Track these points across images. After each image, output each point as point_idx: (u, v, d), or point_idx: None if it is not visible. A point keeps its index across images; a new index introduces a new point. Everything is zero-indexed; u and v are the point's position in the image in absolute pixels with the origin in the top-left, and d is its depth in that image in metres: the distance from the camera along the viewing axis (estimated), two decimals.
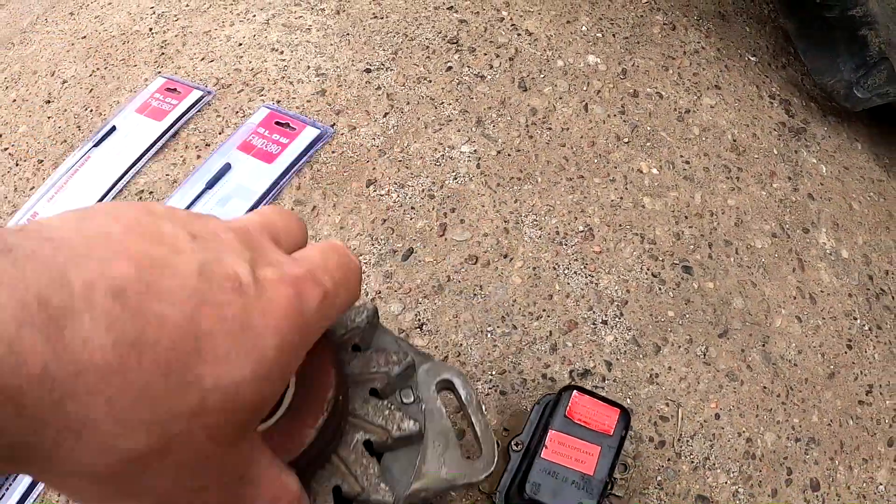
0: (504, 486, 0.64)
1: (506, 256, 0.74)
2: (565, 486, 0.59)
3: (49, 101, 0.99)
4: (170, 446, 0.23)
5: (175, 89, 0.94)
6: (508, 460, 0.63)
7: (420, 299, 0.72)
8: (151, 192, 0.85)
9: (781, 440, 0.73)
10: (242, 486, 0.28)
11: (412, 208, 0.77)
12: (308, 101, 0.86)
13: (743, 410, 0.73)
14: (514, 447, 0.64)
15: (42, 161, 0.92)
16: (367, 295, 0.73)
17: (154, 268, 0.23)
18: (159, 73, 0.97)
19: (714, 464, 0.70)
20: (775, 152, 0.88)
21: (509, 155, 0.80)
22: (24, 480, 0.68)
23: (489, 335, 0.71)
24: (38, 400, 0.20)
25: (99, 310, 0.21)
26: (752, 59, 0.95)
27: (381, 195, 0.78)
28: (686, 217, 0.80)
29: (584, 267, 0.75)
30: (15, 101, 1.01)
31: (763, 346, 0.76)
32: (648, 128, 0.85)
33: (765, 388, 0.74)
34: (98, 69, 1.01)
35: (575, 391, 0.61)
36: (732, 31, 0.98)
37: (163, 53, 0.99)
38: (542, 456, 0.59)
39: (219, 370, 0.24)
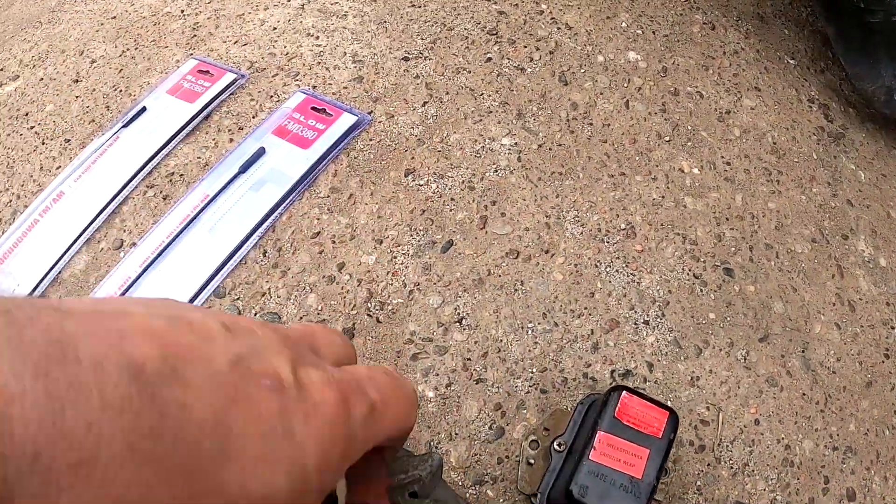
0: (546, 487, 0.61)
1: (547, 252, 0.71)
2: (612, 489, 0.56)
3: (77, 81, 0.96)
4: None
5: (208, 71, 0.90)
6: (550, 460, 0.61)
7: (460, 293, 0.69)
8: (182, 175, 0.82)
9: (819, 448, 0.70)
10: None
11: (452, 199, 0.74)
12: (345, 88, 0.83)
13: (782, 417, 0.70)
14: (557, 447, 0.61)
15: (69, 140, 0.88)
16: (404, 287, 0.70)
17: (180, 352, 0.20)
18: (191, 55, 0.93)
19: (753, 470, 0.68)
20: (815, 157, 0.85)
21: (550, 149, 0.77)
22: None
23: (530, 332, 0.68)
24: (25, 491, 0.16)
25: (111, 390, 0.17)
26: (791, 62, 0.92)
27: (420, 185, 0.75)
28: (727, 219, 0.77)
29: (626, 265, 0.72)
30: (42, 79, 0.97)
31: (803, 352, 0.73)
32: (689, 127, 0.82)
33: (804, 394, 0.72)
34: (128, 49, 0.97)
35: (625, 392, 0.58)
36: (771, 33, 0.95)
37: (195, 35, 0.95)
38: (590, 457, 0.56)
39: (248, 476, 0.20)
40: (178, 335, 0.20)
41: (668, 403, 0.67)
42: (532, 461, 0.63)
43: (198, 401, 0.19)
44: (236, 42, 0.93)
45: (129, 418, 0.17)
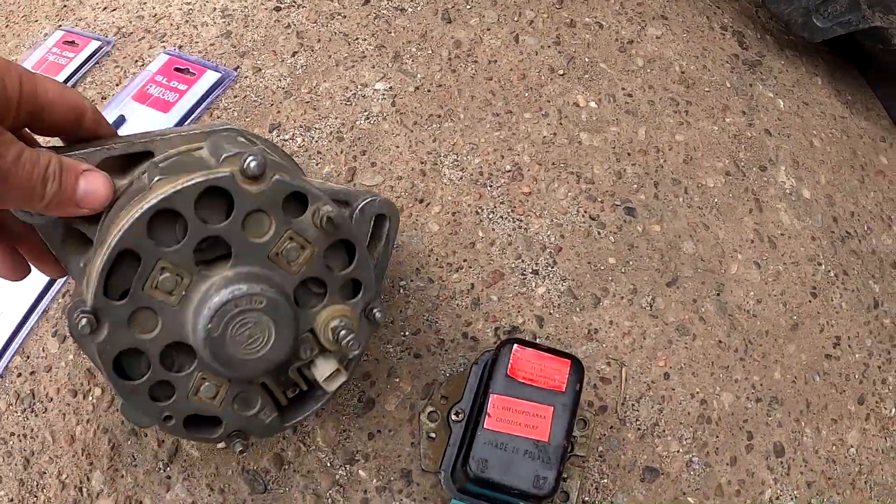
0: (449, 463, 0.50)
1: (422, 201, 0.60)
2: (516, 457, 0.46)
3: None
4: None
5: (73, 42, 0.79)
6: (450, 433, 0.49)
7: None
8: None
9: (740, 401, 0.59)
10: None
11: (318, 153, 0.62)
12: (211, 45, 0.71)
13: (696, 368, 0.59)
14: (455, 417, 0.50)
15: None
16: None
17: None
18: (60, 26, 0.81)
19: (664, 430, 0.57)
20: (728, 86, 0.73)
21: (429, 91, 0.66)
22: None
23: (401, 290, 0.56)
24: None
25: None
26: None
27: (286, 139, 0.63)
28: (629, 154, 0.65)
29: (512, 210, 0.60)
30: None
31: (717, 295, 0.62)
32: (586, 59, 0.70)
33: (720, 342, 0.60)
34: None
35: (515, 345, 0.47)
36: None
37: (65, 6, 0.83)
38: (484, 426, 0.45)
39: None
40: None
41: None
42: (433, 435, 0.53)
43: None
44: (105, 8, 0.81)
45: None
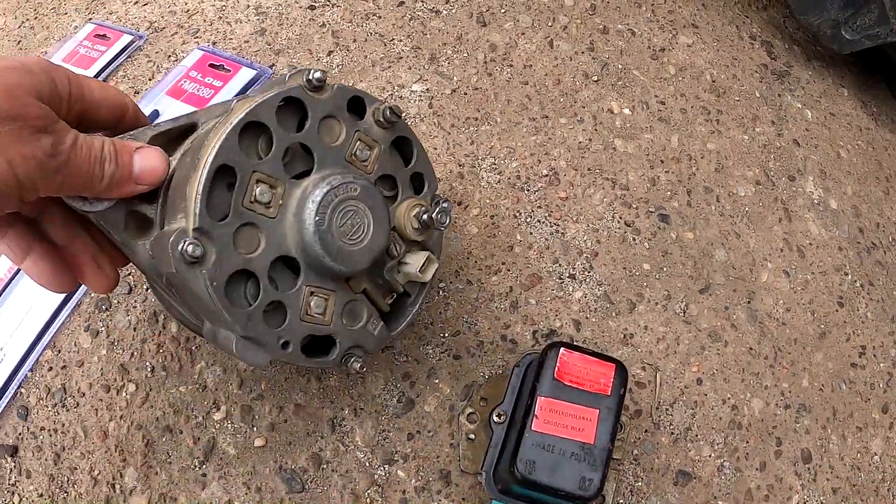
0: (490, 464, 0.50)
1: (460, 204, 0.60)
2: (563, 459, 0.46)
3: None
4: None
5: (105, 35, 0.78)
6: (491, 434, 0.50)
7: None
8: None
9: (770, 407, 0.60)
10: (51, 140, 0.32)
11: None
12: (246, 42, 0.71)
13: (727, 375, 0.60)
14: (496, 418, 0.51)
15: None
16: None
17: None
18: (90, 19, 0.81)
19: (696, 435, 0.57)
20: (757, 95, 0.74)
21: (465, 94, 0.66)
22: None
23: (441, 292, 0.56)
24: None
25: None
26: None
27: None
28: (662, 161, 0.66)
29: (549, 215, 0.60)
30: None
31: (748, 302, 0.63)
32: (620, 66, 0.70)
33: (751, 349, 0.61)
34: (28, 20, 0.85)
35: (563, 348, 0.48)
36: None
37: None
38: (532, 428, 0.45)
39: None
40: None
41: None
42: (472, 436, 0.53)
43: None
44: (136, 2, 0.80)
45: None
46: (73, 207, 0.37)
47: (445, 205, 0.42)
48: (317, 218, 0.36)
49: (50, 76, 0.34)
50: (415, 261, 0.42)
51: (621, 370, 0.49)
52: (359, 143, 0.40)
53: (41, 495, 0.53)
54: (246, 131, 0.36)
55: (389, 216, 0.40)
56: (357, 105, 0.41)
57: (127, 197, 0.37)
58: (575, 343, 0.57)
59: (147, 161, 0.37)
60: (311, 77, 0.38)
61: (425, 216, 0.41)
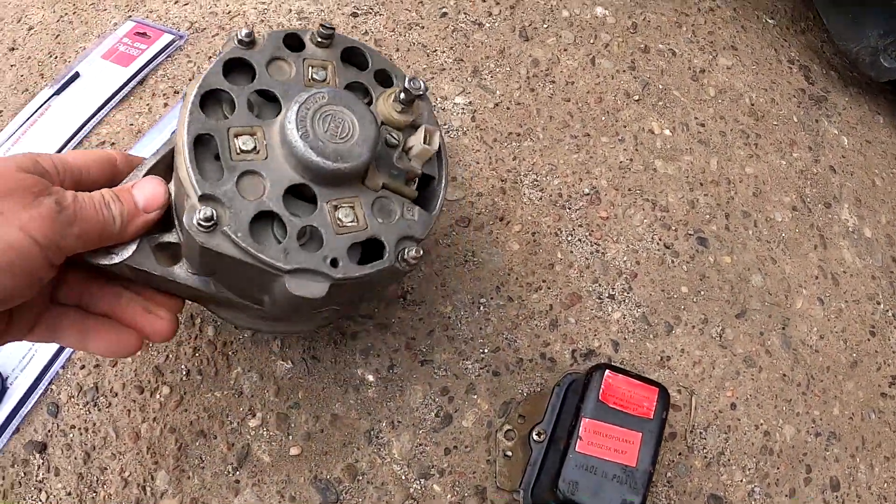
0: (529, 483, 0.50)
1: (502, 219, 0.60)
2: (605, 481, 0.46)
3: (13, 49, 0.83)
4: None
5: (145, 33, 0.78)
6: (530, 452, 0.50)
7: None
8: (114, 143, 0.70)
9: (801, 434, 0.60)
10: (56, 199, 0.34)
11: None
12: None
13: (761, 400, 0.60)
14: (536, 437, 0.50)
15: (1, 112, 0.76)
16: None
17: None
18: (130, 16, 0.81)
19: (729, 459, 0.57)
20: (795, 120, 0.74)
21: (508, 108, 0.66)
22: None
23: (482, 307, 0.56)
24: None
25: None
26: (770, 21, 0.81)
27: None
28: (701, 184, 0.65)
29: (590, 234, 0.60)
30: None
31: (783, 329, 0.62)
32: (660, 86, 0.70)
33: (784, 375, 0.61)
34: (66, 14, 0.85)
35: (608, 370, 0.48)
36: None
37: None
38: (576, 449, 0.45)
39: None
40: None
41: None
42: (509, 453, 0.53)
43: None
44: (177, 2, 0.80)
45: None
46: (103, 267, 0.38)
47: (413, 77, 0.42)
48: (300, 132, 0.37)
49: (29, 157, 0.35)
50: (416, 138, 0.41)
51: (664, 394, 0.49)
52: (310, 68, 0.42)
53: (69, 494, 0.53)
54: (207, 104, 0.38)
55: (370, 109, 0.41)
56: (294, 41, 0.42)
57: (144, 231, 0.39)
58: (615, 364, 0.57)
59: (146, 189, 0.38)
60: (240, 37, 0.40)
61: (402, 95, 0.41)
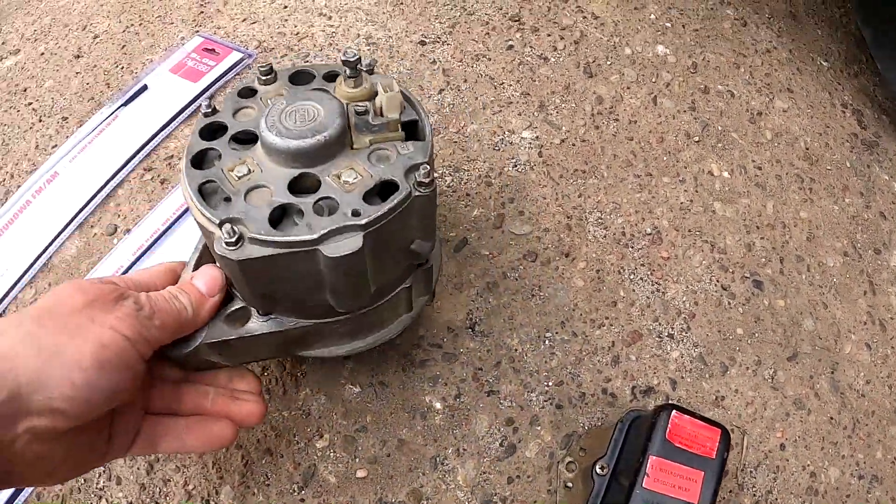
0: None
1: (567, 255, 0.62)
2: None
3: (79, 56, 0.85)
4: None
5: (213, 50, 0.80)
6: (592, 485, 0.52)
7: (473, 296, 0.59)
8: (182, 158, 0.72)
9: (845, 476, 0.61)
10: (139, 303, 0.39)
11: (467, 195, 0.64)
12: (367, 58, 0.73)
13: (809, 442, 0.61)
14: (599, 471, 0.52)
15: (66, 118, 0.78)
16: None
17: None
18: (197, 31, 0.83)
19: (777, 499, 0.59)
20: (848, 165, 0.75)
21: (573, 145, 0.68)
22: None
23: (547, 341, 0.58)
24: None
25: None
26: (825, 63, 0.82)
27: (434, 177, 0.65)
28: (758, 227, 0.67)
29: (651, 273, 0.62)
30: (43, 54, 0.87)
31: (832, 373, 0.64)
32: (719, 127, 0.72)
33: (832, 418, 0.63)
34: (132, 25, 0.87)
35: (674, 411, 0.50)
36: (804, 32, 0.84)
37: (202, 12, 0.85)
38: (644, 485, 0.47)
39: None
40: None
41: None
42: (570, 485, 0.55)
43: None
44: (245, 20, 0.82)
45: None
46: (188, 356, 0.43)
47: (344, 51, 0.45)
48: (274, 132, 0.40)
49: (102, 279, 0.40)
50: (380, 95, 0.44)
51: (726, 436, 0.51)
52: (269, 100, 0.46)
53: (130, 503, 0.55)
54: (201, 165, 0.43)
55: (328, 92, 0.44)
56: (247, 92, 0.47)
57: (214, 313, 0.44)
58: (668, 402, 0.59)
59: (205, 276, 0.43)
60: (203, 111, 0.45)
61: (347, 71, 0.44)
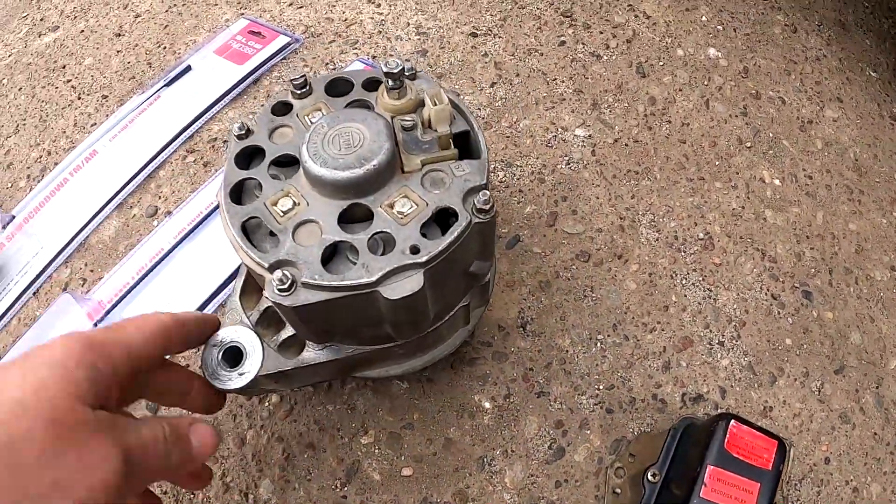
0: None
1: (620, 257, 0.60)
2: None
3: (119, 35, 0.83)
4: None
5: (259, 33, 0.78)
6: (643, 491, 0.50)
7: (525, 295, 0.58)
8: (226, 141, 0.70)
9: (886, 493, 0.60)
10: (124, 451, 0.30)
11: (520, 191, 0.62)
12: (407, 61, 0.71)
13: (852, 457, 0.60)
14: (651, 477, 0.51)
15: (106, 97, 0.76)
16: None
17: None
18: (242, 14, 0.81)
19: None
20: (895, 178, 0.73)
21: (626, 145, 0.66)
22: None
23: (598, 344, 0.57)
24: None
25: None
26: (874, 74, 0.81)
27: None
28: (808, 237, 0.66)
29: (703, 279, 0.61)
30: (83, 31, 0.85)
31: (877, 388, 0.63)
32: (771, 134, 0.70)
33: (875, 434, 0.61)
34: (175, 4, 0.85)
35: (733, 421, 0.49)
36: (853, 42, 0.83)
37: None
38: (701, 495, 0.46)
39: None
40: None
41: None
42: (618, 490, 0.54)
43: None
44: (291, 4, 0.80)
45: None
46: (235, 392, 0.41)
47: (386, 61, 0.41)
48: (319, 163, 0.37)
49: (87, 361, 0.30)
50: (426, 107, 0.40)
51: (782, 448, 0.50)
52: (306, 117, 0.43)
53: (164, 493, 0.53)
54: (241, 197, 0.41)
55: (371, 110, 0.41)
56: (281, 107, 0.44)
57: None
58: (717, 410, 0.57)
59: (200, 434, 0.37)
60: (235, 133, 0.42)
61: (389, 82, 0.41)
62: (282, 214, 0.38)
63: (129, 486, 0.30)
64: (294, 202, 0.38)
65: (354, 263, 0.37)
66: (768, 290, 0.63)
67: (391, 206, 0.38)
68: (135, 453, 0.31)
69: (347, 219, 0.38)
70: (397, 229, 0.37)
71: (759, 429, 0.50)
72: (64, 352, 0.29)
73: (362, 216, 0.38)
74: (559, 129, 0.67)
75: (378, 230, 0.37)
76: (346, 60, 0.73)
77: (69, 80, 0.78)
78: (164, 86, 0.76)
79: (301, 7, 0.79)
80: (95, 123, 0.74)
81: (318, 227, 0.38)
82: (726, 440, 0.49)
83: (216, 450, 0.40)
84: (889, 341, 0.66)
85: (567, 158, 0.65)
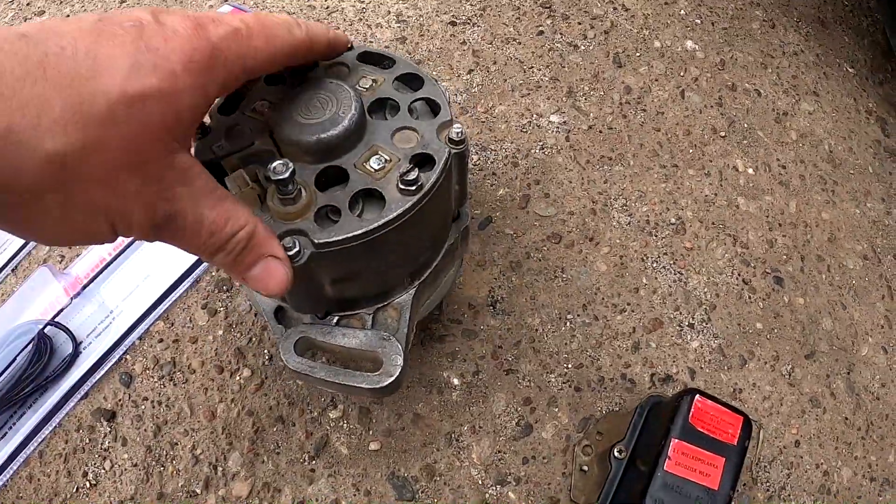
0: (606, 498, 0.52)
1: (591, 240, 0.62)
2: (688, 501, 0.48)
3: (101, 21, 0.85)
4: (87, 152, 0.24)
5: None
6: (609, 468, 0.51)
7: (496, 275, 0.59)
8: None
9: (857, 477, 0.61)
10: (167, 211, 0.28)
11: (493, 174, 0.64)
12: (386, 48, 0.73)
13: (823, 441, 0.61)
14: (617, 454, 0.52)
15: None
16: None
17: (54, 23, 0.25)
18: (226, 0, 0.83)
19: (789, 494, 0.59)
20: (870, 171, 0.75)
21: (600, 132, 0.68)
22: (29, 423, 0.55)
23: (568, 323, 0.58)
24: None
25: (7, 46, 0.23)
26: (851, 70, 0.83)
27: None
28: (780, 225, 0.67)
29: (674, 263, 0.62)
30: (68, 17, 0.86)
31: (848, 374, 0.64)
32: (745, 125, 0.72)
33: (846, 419, 0.63)
34: None
35: (698, 395, 0.49)
36: (831, 38, 0.85)
37: None
38: (665, 468, 0.47)
39: (123, 83, 0.25)
40: (60, 22, 0.26)
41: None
42: (585, 468, 0.54)
43: (70, 43, 0.24)
44: None
45: (21, 57, 0.23)
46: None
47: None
48: (296, 129, 0.37)
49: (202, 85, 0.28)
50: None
51: (748, 423, 0.51)
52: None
53: (135, 465, 0.54)
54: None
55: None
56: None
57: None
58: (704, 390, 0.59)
59: (266, 271, 0.34)
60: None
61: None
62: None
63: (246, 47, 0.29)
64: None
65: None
66: (739, 274, 0.64)
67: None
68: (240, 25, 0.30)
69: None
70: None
71: (725, 404, 0.51)
72: (182, 58, 0.27)
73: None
74: (534, 116, 0.68)
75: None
76: None
77: None
78: None
79: None
80: None
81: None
82: (691, 414, 0.50)
83: (284, 287, 0.34)
84: (861, 328, 0.67)
85: (541, 144, 0.67)
